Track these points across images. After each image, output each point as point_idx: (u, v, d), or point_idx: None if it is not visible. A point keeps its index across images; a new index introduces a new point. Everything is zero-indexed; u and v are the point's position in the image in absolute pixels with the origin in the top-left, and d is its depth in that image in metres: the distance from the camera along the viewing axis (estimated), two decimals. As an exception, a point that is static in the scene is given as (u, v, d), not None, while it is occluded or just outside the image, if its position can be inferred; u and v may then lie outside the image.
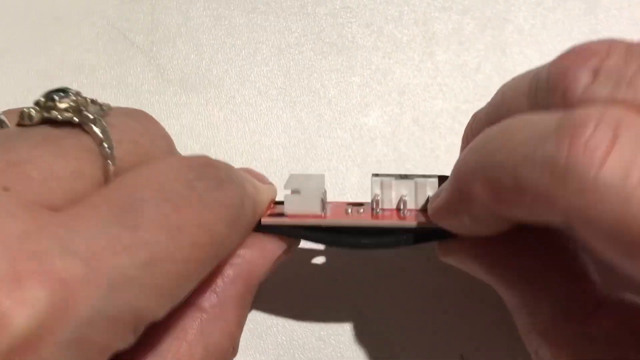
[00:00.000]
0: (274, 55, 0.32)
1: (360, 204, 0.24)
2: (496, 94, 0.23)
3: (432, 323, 0.30)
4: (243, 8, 0.33)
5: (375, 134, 0.31)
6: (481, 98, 0.32)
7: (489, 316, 0.30)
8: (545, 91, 0.19)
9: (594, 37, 0.30)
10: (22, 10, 0.33)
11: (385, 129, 0.31)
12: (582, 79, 0.18)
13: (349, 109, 0.32)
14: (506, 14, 0.33)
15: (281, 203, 0.24)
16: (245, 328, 0.29)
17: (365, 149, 0.31)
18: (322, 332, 0.29)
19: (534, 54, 0.32)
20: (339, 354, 0.29)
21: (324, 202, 0.23)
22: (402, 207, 0.24)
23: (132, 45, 0.33)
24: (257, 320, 0.29)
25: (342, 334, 0.29)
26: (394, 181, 0.24)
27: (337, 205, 0.24)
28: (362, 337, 0.30)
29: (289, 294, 0.30)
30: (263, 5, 0.32)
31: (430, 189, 0.24)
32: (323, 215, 0.23)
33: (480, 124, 0.23)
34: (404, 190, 0.24)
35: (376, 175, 0.24)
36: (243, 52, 0.32)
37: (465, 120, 0.30)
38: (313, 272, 0.30)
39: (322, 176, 0.24)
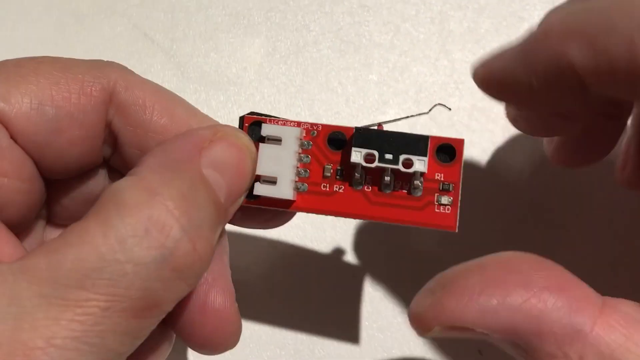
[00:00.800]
0: (292, 53, 0.33)
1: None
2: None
3: None
4: (261, 7, 0.33)
5: None
6: None
7: None
8: None
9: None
10: (44, 9, 0.34)
11: (402, 126, 0.32)
12: None
13: (367, 106, 0.32)
14: (521, 12, 0.33)
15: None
16: (265, 322, 0.29)
17: None
18: (341, 327, 0.30)
19: None
20: (357, 349, 0.29)
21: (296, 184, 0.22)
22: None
23: (152, 44, 0.33)
24: (276, 314, 0.30)
25: (360, 329, 0.30)
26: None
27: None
28: (381, 332, 0.30)
29: (308, 289, 0.30)
30: (281, 4, 0.33)
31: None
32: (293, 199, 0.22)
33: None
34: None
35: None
36: (262, 50, 0.33)
37: (481, 117, 0.31)
38: (332, 268, 0.30)
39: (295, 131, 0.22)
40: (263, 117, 0.22)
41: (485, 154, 0.31)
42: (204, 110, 0.31)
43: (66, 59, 0.22)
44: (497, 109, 0.31)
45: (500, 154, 0.31)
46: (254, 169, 0.21)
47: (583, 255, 0.29)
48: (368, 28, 0.33)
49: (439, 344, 0.29)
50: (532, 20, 0.32)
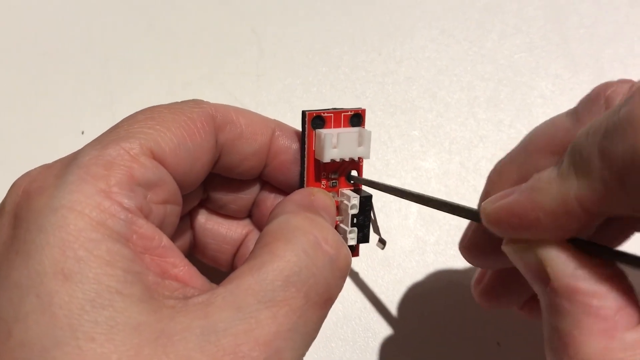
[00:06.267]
0: None
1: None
2: (521, 142, 0.24)
3: (471, 314, 0.32)
4: (328, 78, 0.37)
5: (430, 175, 0.35)
6: (512, 147, 0.33)
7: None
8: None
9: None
10: (157, 79, 0.37)
11: (438, 170, 0.35)
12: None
13: (410, 155, 0.36)
14: (531, 82, 0.37)
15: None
16: (327, 317, 0.32)
17: (423, 185, 0.35)
18: (383, 323, 0.32)
19: (554, 113, 0.33)
20: (393, 342, 0.32)
21: None
22: None
23: (242, 106, 0.34)
24: (338, 311, 0.32)
25: (398, 327, 0.32)
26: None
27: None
28: (414, 329, 0.32)
29: (362, 289, 0.33)
30: (344, 75, 0.37)
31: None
32: None
33: (508, 166, 0.24)
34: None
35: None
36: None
37: None
38: (376, 277, 0.33)
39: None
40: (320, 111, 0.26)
41: None
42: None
43: (171, 105, 0.24)
44: None
45: None
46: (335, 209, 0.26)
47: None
48: (411, 95, 0.37)
49: (463, 337, 0.31)
50: (539, 88, 0.37)
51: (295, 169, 0.27)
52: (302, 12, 0.39)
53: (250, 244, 0.28)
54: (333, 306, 0.31)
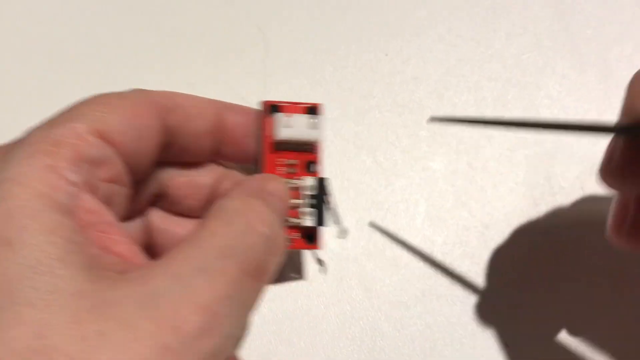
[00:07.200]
0: (360, 114, 0.36)
1: None
2: None
3: (479, 315, 0.33)
4: (335, 78, 0.37)
5: (438, 174, 0.35)
6: (520, 147, 0.35)
7: (529, 311, 0.32)
8: None
9: (607, 101, 0.35)
10: (162, 80, 0.37)
11: (445, 170, 0.35)
12: None
13: (419, 155, 0.35)
14: (538, 82, 0.37)
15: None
16: (334, 317, 0.32)
17: (431, 185, 0.35)
18: (390, 322, 0.32)
19: (560, 112, 0.36)
20: (400, 342, 0.32)
21: None
22: None
23: (248, 105, 0.36)
24: (345, 310, 0.32)
25: (405, 327, 0.32)
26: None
27: None
28: (421, 329, 0.32)
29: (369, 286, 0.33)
30: (351, 75, 0.37)
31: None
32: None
33: None
34: None
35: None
36: (335, 111, 0.36)
37: (507, 163, 0.35)
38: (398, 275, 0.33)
39: None
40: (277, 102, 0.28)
41: (513, 192, 0.35)
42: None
43: (119, 92, 0.25)
44: (519, 158, 0.35)
45: (523, 191, 0.35)
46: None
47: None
48: (419, 95, 0.36)
49: (472, 338, 0.32)
50: (546, 88, 0.37)
51: (250, 144, 0.28)
52: (308, 11, 0.39)
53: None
54: (340, 305, 0.33)
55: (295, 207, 0.29)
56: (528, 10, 0.39)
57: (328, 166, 0.35)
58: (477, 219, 0.34)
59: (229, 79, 0.37)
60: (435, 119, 0.27)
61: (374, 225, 0.32)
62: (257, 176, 0.27)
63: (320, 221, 0.29)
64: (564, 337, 0.32)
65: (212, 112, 0.27)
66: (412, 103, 0.37)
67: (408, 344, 0.32)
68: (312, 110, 0.29)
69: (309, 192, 0.28)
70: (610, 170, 0.24)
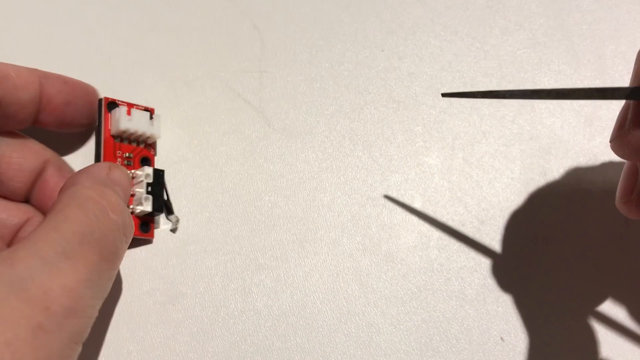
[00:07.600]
0: (355, 110, 0.36)
1: None
2: None
3: (475, 309, 0.32)
4: (331, 74, 0.37)
5: (433, 170, 0.35)
6: (515, 143, 0.35)
7: (524, 305, 0.32)
8: None
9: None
10: (159, 77, 0.36)
11: (441, 166, 0.35)
12: None
13: (414, 151, 0.35)
14: (533, 78, 0.37)
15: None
16: (330, 312, 0.32)
17: (426, 181, 0.35)
18: (386, 318, 0.32)
19: (556, 109, 0.36)
20: (396, 337, 0.31)
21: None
22: None
23: (244, 102, 0.36)
24: (342, 306, 0.32)
25: (401, 322, 0.32)
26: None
27: None
28: (417, 324, 0.32)
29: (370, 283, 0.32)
30: (347, 71, 0.37)
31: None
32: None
33: None
34: None
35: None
36: (331, 107, 0.36)
37: (502, 158, 0.35)
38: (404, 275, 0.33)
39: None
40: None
41: (508, 188, 0.35)
42: (285, 154, 0.34)
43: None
44: (514, 153, 0.35)
45: (519, 187, 0.35)
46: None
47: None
48: (414, 90, 0.36)
49: (468, 333, 0.31)
50: (542, 84, 0.37)
51: (69, 111, 0.31)
52: (304, 8, 0.39)
53: (31, 228, 0.29)
54: (336, 301, 0.33)
55: (132, 195, 0.31)
56: (523, 7, 0.39)
57: (324, 162, 0.35)
58: (472, 215, 0.34)
59: (226, 76, 0.37)
60: (447, 95, 0.27)
61: (389, 197, 0.34)
62: (101, 164, 0.28)
63: (159, 208, 0.31)
64: (559, 331, 0.32)
65: (36, 82, 0.29)
66: (408, 99, 0.37)
67: (404, 340, 0.31)
68: (147, 112, 0.33)
69: (145, 182, 0.31)
70: (621, 137, 0.24)
